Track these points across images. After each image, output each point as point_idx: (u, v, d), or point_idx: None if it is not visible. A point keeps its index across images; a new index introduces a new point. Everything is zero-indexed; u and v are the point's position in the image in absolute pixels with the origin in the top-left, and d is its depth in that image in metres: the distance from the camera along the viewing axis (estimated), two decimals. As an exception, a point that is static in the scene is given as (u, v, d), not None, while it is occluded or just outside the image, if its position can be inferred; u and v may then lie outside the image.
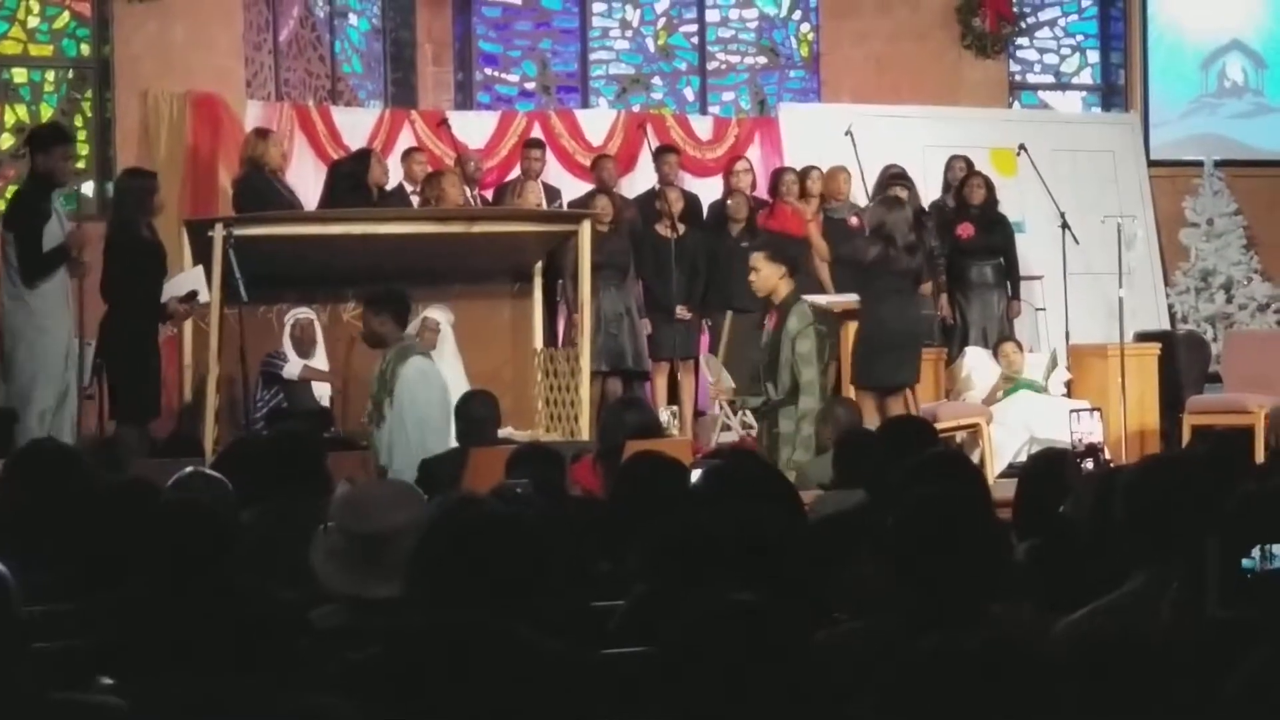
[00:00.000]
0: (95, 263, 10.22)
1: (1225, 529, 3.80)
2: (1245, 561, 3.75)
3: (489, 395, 9.04)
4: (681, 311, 12.61)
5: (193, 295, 10.26)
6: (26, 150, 10.21)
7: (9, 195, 10.79)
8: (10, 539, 4.96)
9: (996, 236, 13.30)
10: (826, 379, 10.18)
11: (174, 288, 10.32)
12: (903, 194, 12.50)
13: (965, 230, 13.05)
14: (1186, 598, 3.77)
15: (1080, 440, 10.38)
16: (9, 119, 12.97)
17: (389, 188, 12.40)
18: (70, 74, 13.28)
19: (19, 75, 13.22)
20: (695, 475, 5.73)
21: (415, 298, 11.19)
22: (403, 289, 9.69)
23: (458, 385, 10.74)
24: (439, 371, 9.56)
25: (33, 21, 13.15)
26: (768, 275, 10.17)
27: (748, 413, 12.41)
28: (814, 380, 9.95)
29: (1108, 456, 10.24)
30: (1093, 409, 11.06)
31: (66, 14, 13.21)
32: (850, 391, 11.12)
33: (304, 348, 10.87)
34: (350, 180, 11.93)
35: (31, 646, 3.59)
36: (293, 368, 10.79)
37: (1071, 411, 10.99)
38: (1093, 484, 5.14)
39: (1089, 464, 8.83)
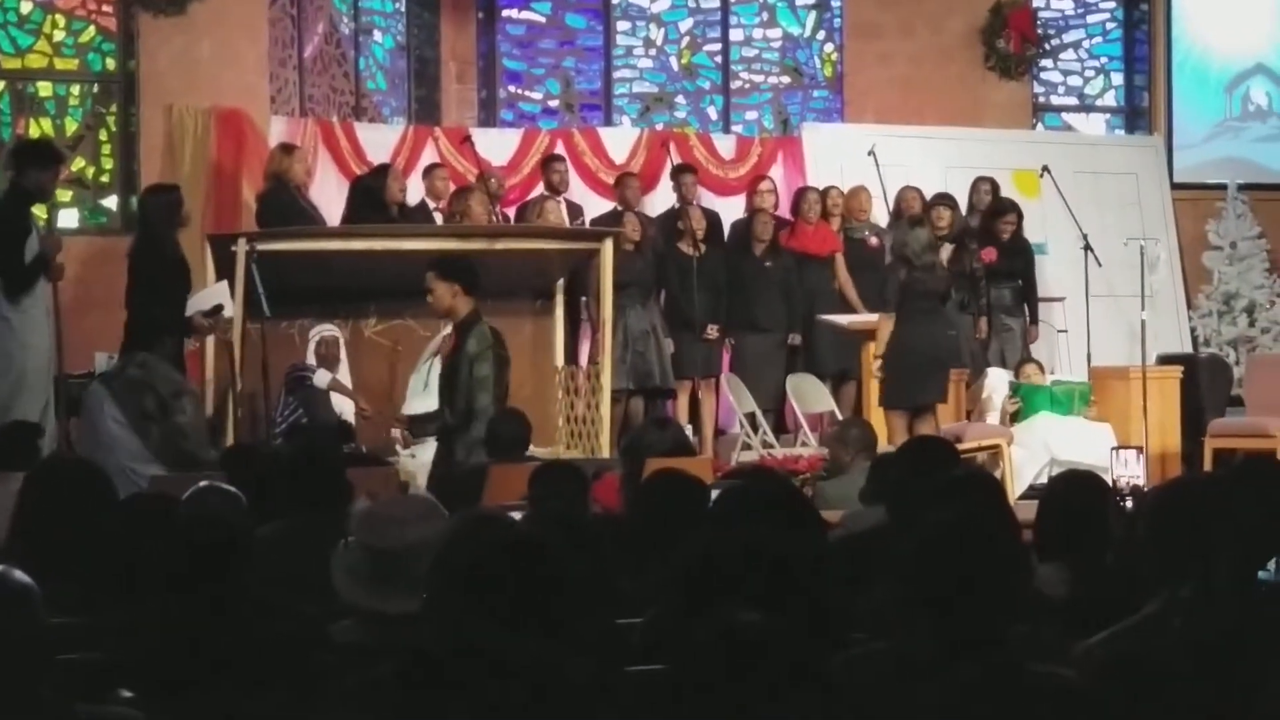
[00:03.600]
0: (115, 276, 10.25)
1: (1241, 540, 3.80)
2: (1261, 573, 3.76)
3: (520, 414, 9.06)
4: (711, 331, 12.60)
5: (218, 310, 10.27)
6: (14, 164, 10.15)
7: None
8: (31, 552, 4.97)
9: (1018, 260, 13.32)
10: (501, 406, 9.34)
11: (198, 302, 10.34)
12: (945, 213, 12.50)
13: (989, 254, 13.05)
14: (1198, 607, 3.76)
15: (1127, 483, 10.26)
16: (34, 132, 13.00)
17: (412, 204, 12.41)
18: (95, 88, 13.33)
19: (44, 89, 13.27)
20: (715, 494, 5.72)
21: (437, 314, 11.24)
22: None
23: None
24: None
25: (58, 35, 13.21)
26: (441, 294, 9.41)
27: (769, 432, 12.43)
28: (488, 407, 9.24)
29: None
30: (1136, 449, 10.91)
31: (92, 28, 13.26)
32: (871, 412, 11.14)
33: (328, 365, 10.89)
34: (368, 196, 11.94)
35: (55, 658, 3.60)
36: (321, 377, 10.82)
37: (1113, 450, 10.86)
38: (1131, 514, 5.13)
39: (1130, 503, 8.74)
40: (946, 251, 12.24)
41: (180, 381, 9.51)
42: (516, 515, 5.51)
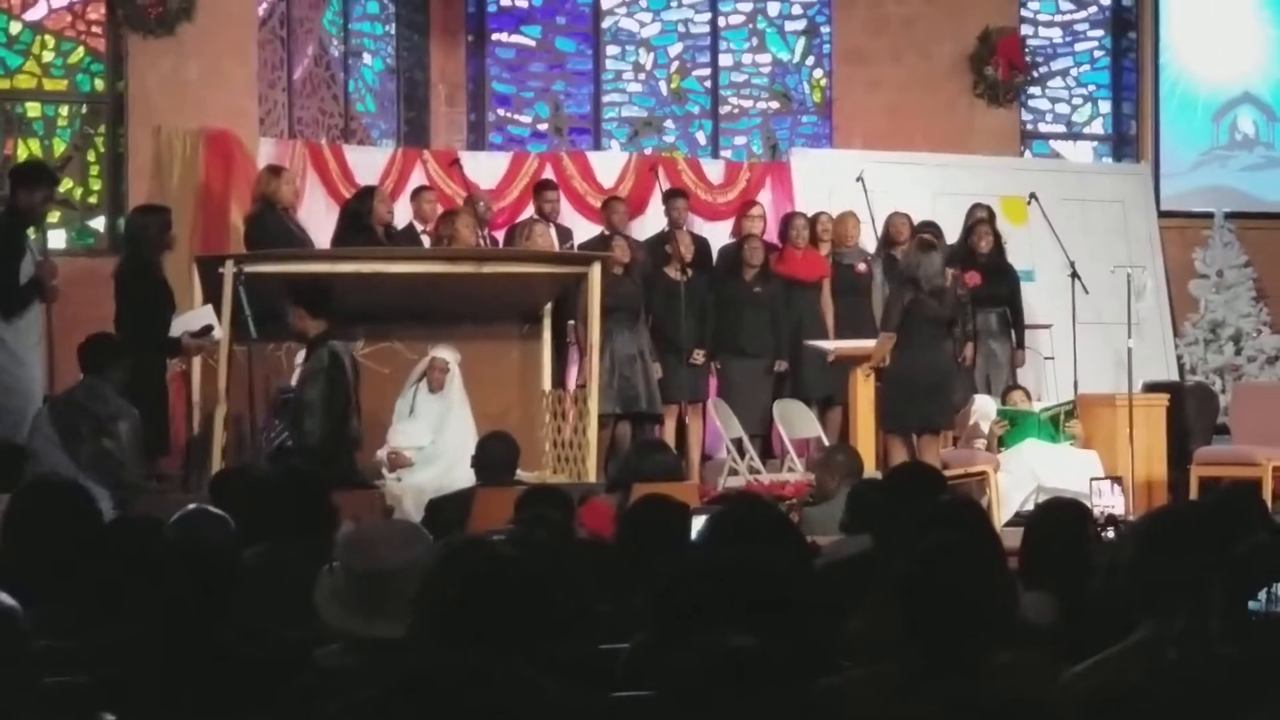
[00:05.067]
0: (103, 297, 10.26)
1: (1233, 570, 3.80)
2: (1251, 604, 3.76)
3: (509, 438, 9.06)
4: (697, 356, 12.59)
5: (208, 330, 10.26)
6: (9, 186, 10.20)
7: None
8: (15, 574, 4.95)
9: (1002, 286, 13.32)
10: (334, 424, 9.36)
11: (186, 323, 10.33)
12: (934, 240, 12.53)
13: (972, 278, 13.05)
14: (1192, 636, 3.76)
15: (1102, 512, 10.28)
16: (22, 153, 12.99)
17: (400, 226, 12.41)
18: (84, 109, 13.32)
19: (33, 110, 13.26)
20: (701, 519, 5.72)
21: (424, 337, 11.23)
22: None
23: (465, 426, 10.76)
24: None
25: (47, 56, 13.20)
26: (292, 318, 9.43)
27: (755, 458, 12.43)
28: (312, 430, 9.32)
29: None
30: (1114, 479, 10.94)
31: (81, 49, 13.25)
32: (858, 438, 11.14)
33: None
34: (355, 219, 11.94)
35: (40, 681, 3.59)
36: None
37: (1092, 480, 10.88)
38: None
39: (1110, 533, 8.76)
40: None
41: (120, 407, 9.42)
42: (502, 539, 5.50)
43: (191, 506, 5.76)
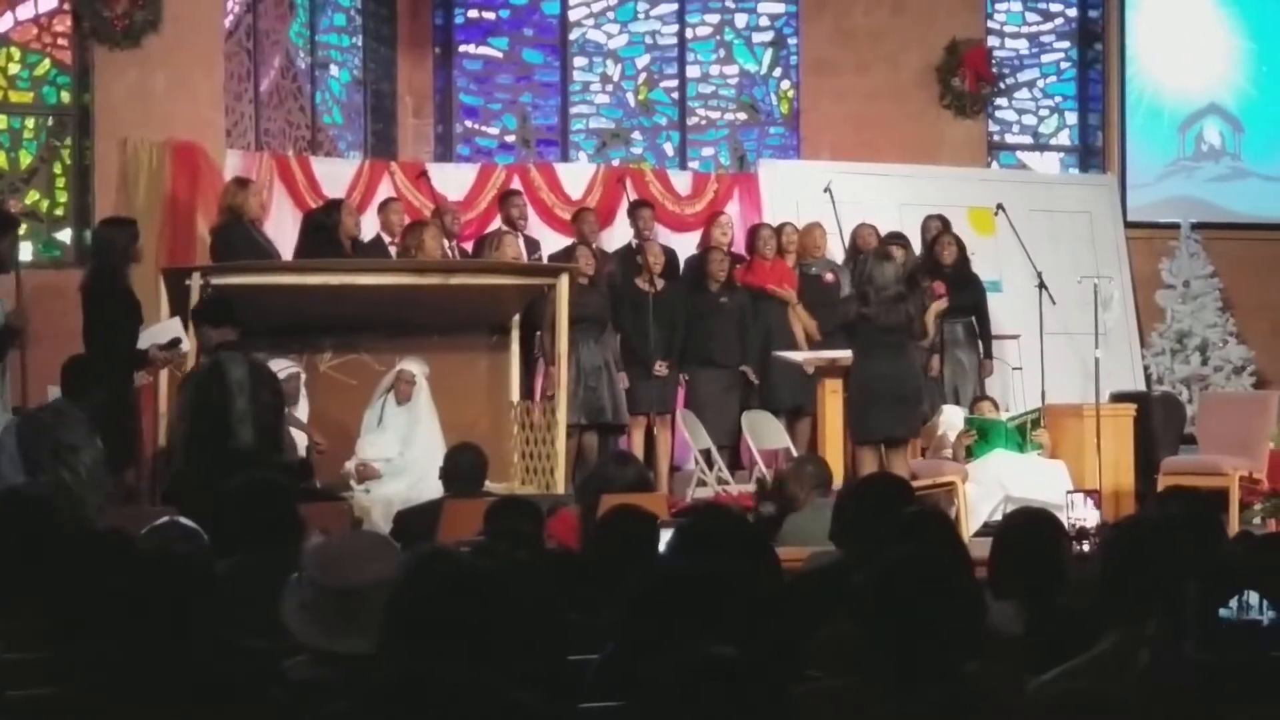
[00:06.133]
0: (69, 310, 10.26)
1: (1206, 579, 3.82)
2: (1222, 611, 3.78)
3: (477, 450, 9.05)
4: (659, 368, 12.57)
5: (175, 343, 10.22)
6: None
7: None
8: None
9: (967, 295, 13.32)
10: (213, 433, 9.11)
11: (154, 336, 10.29)
12: (898, 252, 12.53)
13: (939, 288, 13.05)
14: (1165, 642, 3.77)
15: (1073, 525, 10.30)
16: (-11, 166, 12.96)
17: (366, 239, 12.38)
18: (50, 121, 13.28)
19: (-2, 122, 13.23)
20: (669, 531, 5.71)
21: (392, 349, 11.21)
22: None
23: (433, 437, 10.74)
24: None
25: (13, 68, 13.16)
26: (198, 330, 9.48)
27: (724, 469, 12.43)
28: (177, 437, 9.30)
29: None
30: (1088, 493, 10.96)
31: (47, 61, 13.21)
32: (826, 448, 11.14)
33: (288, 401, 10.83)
34: (322, 232, 11.89)
35: (4, 694, 3.58)
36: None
37: (1068, 493, 10.91)
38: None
39: (1085, 547, 8.78)
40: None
41: (84, 438, 9.30)
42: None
43: (164, 519, 5.74)
